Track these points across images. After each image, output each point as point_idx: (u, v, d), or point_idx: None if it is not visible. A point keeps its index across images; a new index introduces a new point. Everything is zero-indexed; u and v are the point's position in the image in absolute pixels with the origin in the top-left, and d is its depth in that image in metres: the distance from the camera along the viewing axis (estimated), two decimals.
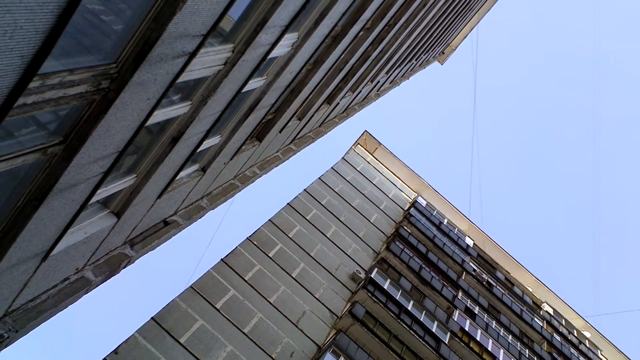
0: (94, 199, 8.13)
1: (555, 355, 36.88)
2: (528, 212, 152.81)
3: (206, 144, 11.23)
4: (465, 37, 53.27)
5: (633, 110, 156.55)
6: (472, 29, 52.66)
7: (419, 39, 27.68)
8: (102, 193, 8.43)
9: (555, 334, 39.74)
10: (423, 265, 34.69)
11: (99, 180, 7.60)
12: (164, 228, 12.30)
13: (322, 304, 26.60)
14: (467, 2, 34.23)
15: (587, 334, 44.46)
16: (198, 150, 10.80)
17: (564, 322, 43.20)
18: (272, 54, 10.28)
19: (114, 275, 10.84)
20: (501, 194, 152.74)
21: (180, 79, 7.51)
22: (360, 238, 33.71)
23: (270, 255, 26.96)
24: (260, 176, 17.34)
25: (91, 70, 5.73)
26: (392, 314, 28.01)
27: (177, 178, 11.00)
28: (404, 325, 27.93)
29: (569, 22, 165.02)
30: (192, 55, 7.10)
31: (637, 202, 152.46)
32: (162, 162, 9.34)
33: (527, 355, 34.45)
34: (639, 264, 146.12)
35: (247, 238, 26.87)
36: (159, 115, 8.01)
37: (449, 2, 26.39)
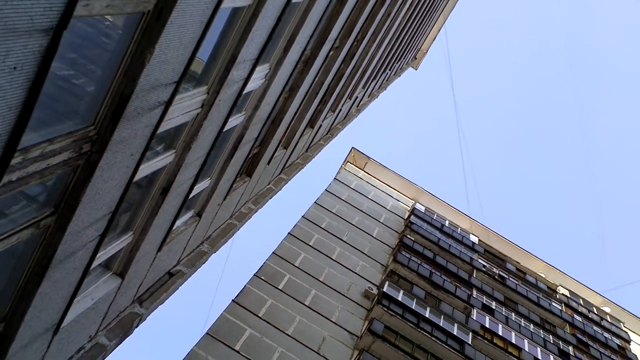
0: (95, 264, 8.06)
1: (580, 336, 36.70)
2: (526, 197, 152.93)
3: (197, 188, 11.18)
4: (434, 38, 53.54)
5: (613, 82, 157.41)
6: (439, 30, 52.94)
7: (389, 48, 27.78)
8: (102, 256, 8.36)
9: (575, 315, 39.57)
10: (433, 270, 34.56)
11: (96, 244, 7.53)
12: (170, 280, 12.21)
13: (340, 326, 26.41)
14: (430, 4, 34.44)
15: (607, 309, 44.28)
16: (190, 197, 10.75)
17: (581, 302, 43.01)
18: (247, 89, 10.27)
19: (128, 335, 10.74)
20: (497, 185, 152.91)
21: (161, 129, 7.47)
22: (366, 254, 33.58)
23: (280, 287, 26.81)
24: (256, 211, 17.28)
25: (71, 136, 5.70)
26: (411, 324, 27.84)
27: (174, 228, 10.94)
28: (424, 333, 27.76)
29: (535, 9, 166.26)
30: (168, 103, 7.07)
31: (631, 168, 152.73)
32: (156, 214, 9.28)
33: (551, 341, 34.25)
34: None
35: (254, 274, 26.72)
36: (145, 169, 7.97)
37: (412, 8, 26.53)
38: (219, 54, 8.33)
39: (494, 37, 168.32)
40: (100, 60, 5.86)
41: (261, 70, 10.80)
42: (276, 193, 19.24)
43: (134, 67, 5.89)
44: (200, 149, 9.64)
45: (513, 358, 30.16)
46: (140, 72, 5.91)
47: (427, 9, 35.14)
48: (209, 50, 8.04)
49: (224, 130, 10.34)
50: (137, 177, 7.68)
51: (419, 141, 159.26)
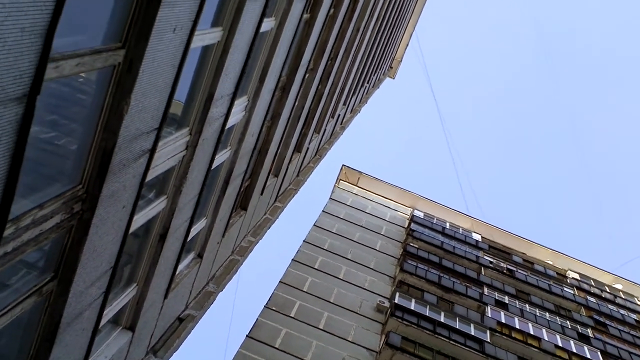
0: (103, 321, 8.00)
1: (597, 317, 36.63)
2: (521, 189, 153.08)
3: (194, 230, 11.15)
4: (406, 46, 53.80)
5: (588, 66, 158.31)
6: (410, 36, 53.21)
7: (363, 62, 27.90)
8: (109, 312, 8.31)
9: (589, 297, 39.51)
10: (441, 274, 34.49)
11: (102, 302, 7.48)
12: (181, 325, 12.14)
13: (358, 345, 26.29)
14: (397, 13, 34.64)
15: (619, 286, 44.23)
16: (188, 239, 10.72)
17: (593, 283, 42.97)
18: (229, 124, 10.28)
19: None
20: (491, 181, 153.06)
21: (149, 177, 7.46)
22: (372, 269, 33.50)
23: (292, 315, 26.70)
24: (256, 243, 17.23)
25: (60, 198, 5.68)
26: (428, 332, 27.74)
27: (177, 273, 10.89)
28: (442, 338, 27.65)
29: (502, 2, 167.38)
30: (153, 150, 7.07)
31: (621, 144, 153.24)
32: (157, 262, 9.24)
33: (569, 327, 34.17)
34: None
35: (264, 306, 26.62)
36: (139, 219, 7.95)
37: (380, 20, 26.68)
38: (196, 93, 8.35)
39: (465, 35, 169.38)
40: (79, 118, 5.85)
41: (240, 104, 10.82)
42: (274, 222, 19.21)
43: (113, 120, 5.88)
44: (192, 191, 9.63)
45: (534, 349, 30.04)
46: (120, 125, 5.91)
47: (395, 18, 35.34)
48: (185, 91, 8.05)
49: (212, 168, 10.33)
50: (133, 228, 7.66)
51: (407, 148, 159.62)
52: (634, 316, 39.31)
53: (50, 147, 5.65)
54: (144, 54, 5.73)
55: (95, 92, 5.71)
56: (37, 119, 4.62)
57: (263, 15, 9.19)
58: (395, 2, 30.99)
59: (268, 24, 10.39)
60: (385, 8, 27.23)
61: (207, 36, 7.63)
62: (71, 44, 4.87)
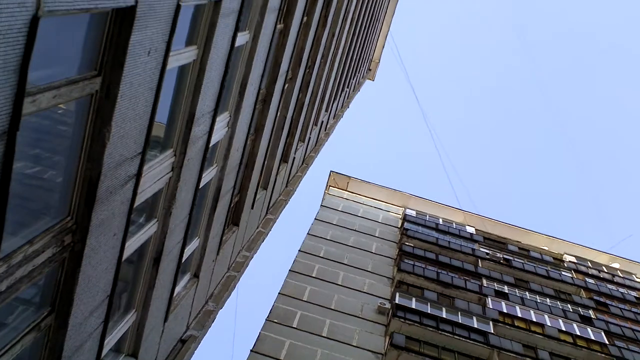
0: (105, 351, 7.95)
1: (597, 298, 36.75)
2: (510, 178, 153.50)
3: (188, 250, 11.11)
4: (383, 46, 53.94)
5: (564, 45, 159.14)
6: (386, 37, 53.36)
7: (341, 67, 27.94)
8: (110, 341, 8.26)
9: (587, 279, 39.64)
10: (439, 270, 34.51)
11: (102, 331, 7.44)
12: (184, 347, 12.08)
13: (363, 349, 26.24)
14: (371, 15, 34.74)
15: (616, 265, 44.40)
16: (183, 260, 10.68)
17: (590, 264, 43.11)
18: (213, 141, 10.26)
19: None
20: (479, 172, 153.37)
21: (137, 202, 7.43)
22: (370, 272, 33.48)
23: (295, 325, 26.64)
24: (251, 257, 17.20)
25: (49, 232, 5.65)
26: (431, 329, 27.73)
27: (174, 295, 10.85)
28: (446, 334, 27.66)
29: None
30: (139, 175, 7.04)
31: (604, 127, 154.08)
32: (154, 286, 9.20)
33: (571, 310, 34.26)
34: (628, 178, 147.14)
35: (266, 319, 26.56)
36: (132, 245, 7.91)
37: (354, 23, 26.74)
38: (177, 113, 8.33)
39: (442, 30, 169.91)
40: (62, 149, 5.83)
41: (222, 120, 10.80)
42: (267, 234, 19.17)
43: (96, 148, 5.86)
44: (182, 211, 9.60)
45: (538, 336, 30.08)
46: (103, 152, 5.88)
47: (369, 20, 35.44)
48: (165, 112, 8.03)
49: (200, 187, 10.31)
50: (126, 254, 7.62)
51: (393, 148, 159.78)
52: (634, 293, 39.46)
53: (35, 181, 5.62)
54: (121, 79, 5.71)
55: (75, 122, 5.69)
56: (19, 154, 4.60)
57: (237, 29, 9.18)
58: (368, 3, 31.07)
59: (243, 38, 10.38)
60: (358, 11, 27.29)
61: (183, 55, 7.61)
62: (46, 76, 4.85)
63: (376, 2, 36.61)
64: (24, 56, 4.20)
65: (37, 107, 4.74)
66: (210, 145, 10.02)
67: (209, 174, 10.99)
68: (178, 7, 6.52)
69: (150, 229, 8.62)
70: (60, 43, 5.05)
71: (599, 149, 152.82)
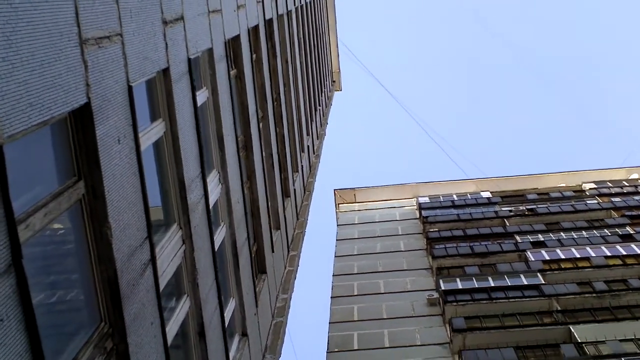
0: None
1: (628, 213, 36.69)
2: (503, 130, 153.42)
3: (227, 313, 11.08)
4: (338, 55, 54.17)
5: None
6: (337, 45, 53.61)
7: (306, 88, 28.06)
8: None
9: (613, 199, 39.62)
10: (471, 244, 34.44)
11: None
12: None
13: (429, 345, 26.12)
14: (315, 28, 34.95)
15: (635, 176, 44.32)
16: (226, 325, 10.64)
17: (610, 184, 43.05)
18: (212, 201, 10.27)
19: None
20: (471, 136, 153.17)
21: (162, 285, 7.42)
22: (407, 270, 33.42)
23: (356, 347, 26.56)
24: (290, 297, 17.15)
25: (89, 344, 5.63)
26: (485, 302, 27.63)
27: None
28: (500, 301, 27.56)
29: None
30: (153, 259, 7.04)
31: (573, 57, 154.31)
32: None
33: (608, 234, 34.22)
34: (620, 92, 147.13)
35: (327, 352, 26.45)
36: (172, 328, 7.89)
37: (303, 43, 26.90)
38: (168, 187, 8.34)
39: (386, 19, 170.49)
40: (71, 262, 5.83)
41: (213, 178, 10.82)
42: (297, 270, 19.13)
43: (103, 249, 5.86)
44: (207, 278, 9.58)
45: (587, 270, 29.99)
46: (111, 250, 5.89)
47: (315, 36, 35.64)
48: (157, 190, 8.05)
49: (216, 248, 10.30)
50: (170, 338, 7.59)
51: (385, 146, 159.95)
52: None
53: (59, 305, 5.61)
54: (102, 175, 5.73)
55: (75, 231, 5.70)
56: (33, 282, 4.59)
57: (194, 89, 9.23)
58: (308, 21, 31.27)
59: (203, 95, 10.43)
60: (302, 31, 27.46)
61: (152, 132, 7.64)
62: (31, 198, 4.86)
63: (316, 16, 36.83)
64: (1, 186, 4.21)
65: (33, 231, 4.75)
66: (211, 206, 10.02)
67: (220, 234, 10.99)
68: (130, 89, 6.55)
69: (184, 306, 8.60)
70: (32, 161, 5.07)
71: (569, 74, 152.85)
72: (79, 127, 5.54)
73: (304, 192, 25.84)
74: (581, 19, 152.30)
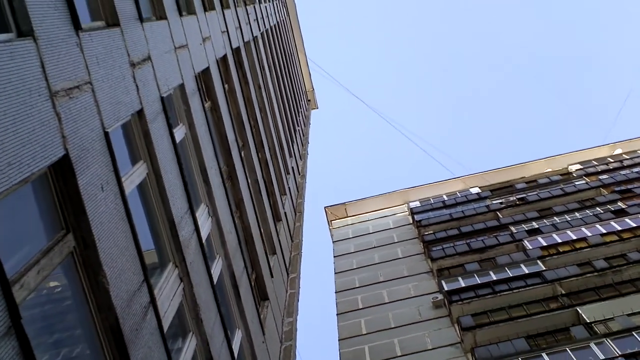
0: None
1: (617, 188, 36.84)
2: (482, 124, 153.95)
3: (235, 345, 11.03)
4: (309, 74, 54.39)
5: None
6: (307, 64, 53.84)
7: (282, 111, 28.14)
8: None
9: (600, 176, 39.77)
10: (467, 241, 34.43)
11: None
12: None
13: (440, 347, 26.05)
14: (284, 51, 35.10)
15: (619, 151, 44.56)
16: (236, 356, 10.59)
17: (595, 163, 43.28)
18: (204, 235, 10.25)
19: None
20: (452, 134, 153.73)
21: (166, 326, 7.39)
22: (408, 276, 33.34)
23: None
24: (295, 320, 17.10)
25: None
26: (490, 296, 27.59)
27: None
28: (505, 293, 27.53)
29: None
30: (153, 301, 7.01)
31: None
32: None
33: (601, 211, 34.30)
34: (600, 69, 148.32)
35: None
36: None
37: (273, 68, 27.00)
38: (158, 227, 8.32)
39: (353, 30, 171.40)
40: (72, 316, 5.80)
41: (202, 213, 10.81)
42: (299, 292, 19.09)
43: (101, 297, 5.84)
44: (210, 313, 9.54)
45: (586, 250, 30.04)
46: (109, 298, 5.86)
47: (285, 57, 35.79)
48: (147, 232, 8.02)
49: (215, 282, 10.26)
50: None
51: (369, 156, 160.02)
52: None
53: (62, 357, 5.57)
54: (90, 225, 5.71)
55: (70, 283, 5.67)
56: (35, 342, 4.56)
57: (170, 127, 9.23)
58: (276, 45, 31.39)
59: (180, 131, 10.44)
60: (271, 56, 27.56)
61: (135, 175, 7.63)
62: (22, 258, 4.84)
63: (282, 39, 36.99)
64: None
65: (28, 290, 4.72)
66: (204, 240, 10.00)
67: (216, 267, 10.96)
68: (107, 135, 6.56)
69: (191, 344, 8.56)
70: (18, 220, 5.05)
71: (538, 60, 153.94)
72: (60, 180, 5.52)
73: (295, 214, 25.83)
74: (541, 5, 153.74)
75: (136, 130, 8.04)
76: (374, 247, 38.18)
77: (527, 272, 28.96)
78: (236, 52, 18.07)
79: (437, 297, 29.45)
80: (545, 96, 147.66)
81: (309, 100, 53.69)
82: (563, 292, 26.91)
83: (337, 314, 31.26)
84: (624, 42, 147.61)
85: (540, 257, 30.16)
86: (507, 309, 26.46)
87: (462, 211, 39.02)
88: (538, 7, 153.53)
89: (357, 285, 33.61)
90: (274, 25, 32.86)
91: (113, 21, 7.72)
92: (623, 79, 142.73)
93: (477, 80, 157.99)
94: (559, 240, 31.82)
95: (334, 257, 38.42)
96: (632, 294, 25.60)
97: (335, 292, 33.53)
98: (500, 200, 39.72)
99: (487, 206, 38.91)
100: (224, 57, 15.90)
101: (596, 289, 26.67)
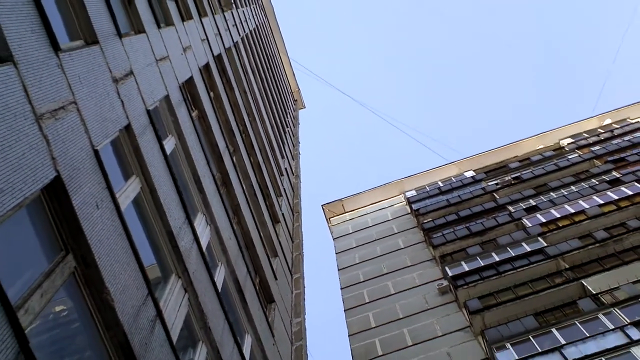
0: None
1: (610, 158, 36.93)
2: (469, 107, 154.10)
3: (246, 350, 11.03)
4: (294, 74, 54.38)
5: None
6: (290, 65, 53.82)
7: (270, 114, 28.12)
8: None
9: (592, 148, 39.85)
10: (467, 225, 34.48)
11: None
12: None
13: (450, 333, 26.09)
14: (266, 54, 35.08)
15: (608, 121, 44.67)
16: None
17: (585, 135, 43.38)
18: (204, 244, 10.24)
19: None
20: (442, 117, 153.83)
21: (175, 337, 7.39)
22: (411, 265, 33.37)
23: (380, 353, 26.46)
24: (303, 319, 17.10)
25: None
26: (494, 277, 27.63)
27: None
28: (509, 273, 27.56)
29: None
30: (159, 313, 7.00)
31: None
32: None
33: (597, 183, 34.38)
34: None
35: None
36: None
37: (256, 72, 26.98)
38: (157, 240, 8.31)
39: (330, 27, 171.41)
40: (80, 336, 5.79)
41: (200, 221, 10.80)
42: (304, 292, 19.10)
43: (108, 315, 5.83)
44: (218, 320, 9.53)
45: (584, 222, 30.11)
46: (116, 315, 5.86)
47: (268, 60, 35.76)
48: (147, 245, 8.01)
49: (220, 289, 10.26)
50: None
51: (362, 150, 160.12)
52: (638, 134, 39.70)
53: None
54: (89, 244, 5.70)
55: (75, 304, 5.66)
56: None
57: (160, 139, 9.22)
58: (257, 49, 31.37)
59: (170, 143, 10.43)
60: (253, 60, 27.54)
61: (129, 190, 7.62)
62: (24, 282, 4.83)
63: (263, 42, 36.97)
64: None
65: (34, 314, 4.71)
66: (204, 248, 10.00)
67: (220, 274, 10.95)
68: (97, 153, 6.54)
69: (201, 353, 8.56)
70: (16, 246, 5.04)
71: (522, 39, 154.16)
72: (54, 201, 5.51)
73: (293, 215, 25.83)
74: None
75: (126, 145, 8.03)
76: (375, 240, 38.20)
77: (529, 250, 29.01)
78: (218, 59, 18.06)
79: (442, 284, 29.48)
80: (529, 74, 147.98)
81: (296, 101, 53.69)
82: (566, 266, 26.97)
83: (344, 310, 31.29)
84: (602, 17, 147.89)
85: (541, 234, 30.22)
86: (512, 289, 26.50)
87: (459, 196, 39.07)
88: None
89: (361, 280, 33.63)
90: (254, 29, 32.84)
91: (92, 39, 7.70)
92: (604, 51, 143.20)
93: (460, 65, 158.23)
94: (558, 215, 31.87)
95: (336, 253, 38.45)
96: (636, 261, 25.65)
97: (341, 289, 33.55)
98: (495, 182, 39.78)
99: (483, 188, 38.97)
100: (207, 65, 15.89)
101: (599, 259, 26.73)
